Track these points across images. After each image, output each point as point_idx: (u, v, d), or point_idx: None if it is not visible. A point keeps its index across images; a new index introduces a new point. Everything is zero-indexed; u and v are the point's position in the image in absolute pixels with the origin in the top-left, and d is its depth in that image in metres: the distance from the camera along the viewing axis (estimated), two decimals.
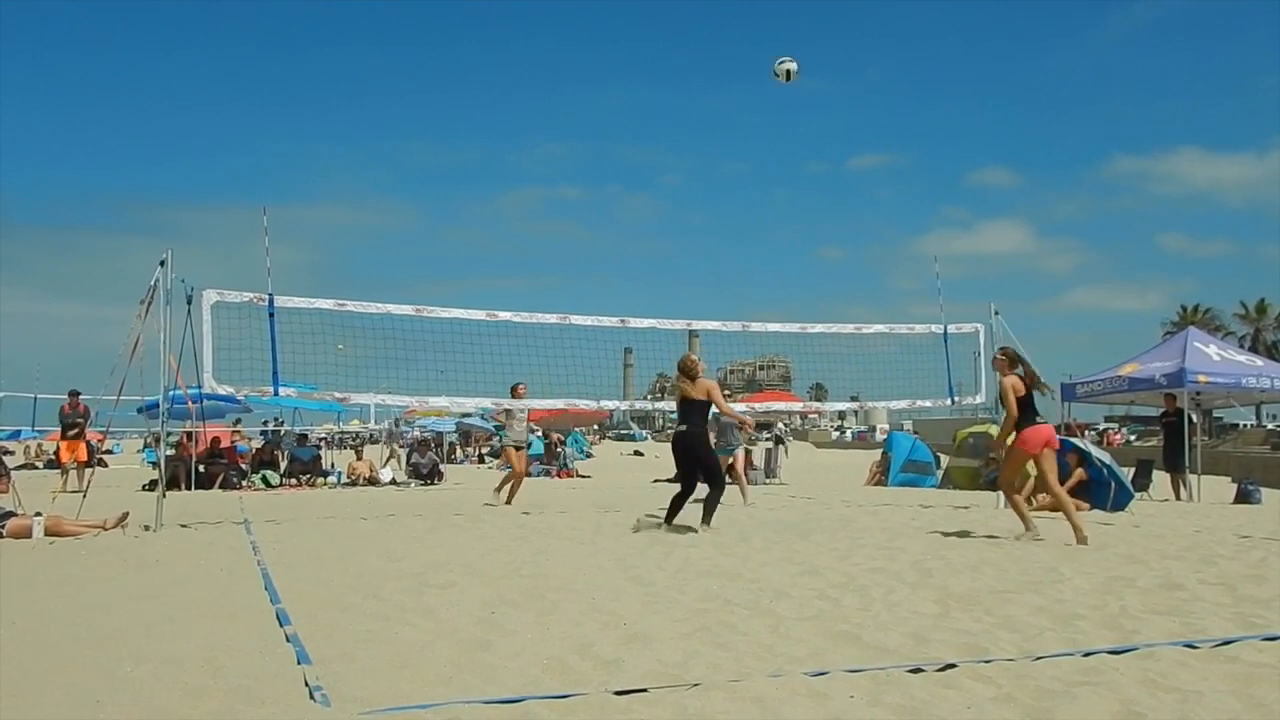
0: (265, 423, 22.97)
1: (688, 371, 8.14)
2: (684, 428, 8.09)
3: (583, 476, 21.07)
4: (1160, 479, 13.73)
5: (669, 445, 8.56)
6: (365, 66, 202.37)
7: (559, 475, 20.85)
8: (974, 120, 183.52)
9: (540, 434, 28.95)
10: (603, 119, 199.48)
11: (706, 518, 7.82)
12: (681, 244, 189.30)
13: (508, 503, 11.20)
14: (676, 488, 8.27)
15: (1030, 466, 11.43)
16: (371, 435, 28.65)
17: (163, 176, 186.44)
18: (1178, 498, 13.25)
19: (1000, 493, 11.20)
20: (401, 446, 24.66)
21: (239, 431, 20.00)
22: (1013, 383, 7.31)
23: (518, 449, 11.69)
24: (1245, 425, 39.79)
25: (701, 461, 8.11)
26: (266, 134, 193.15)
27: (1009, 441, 7.39)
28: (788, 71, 10.00)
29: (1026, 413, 7.33)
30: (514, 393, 10.57)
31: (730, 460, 11.79)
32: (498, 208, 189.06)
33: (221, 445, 16.87)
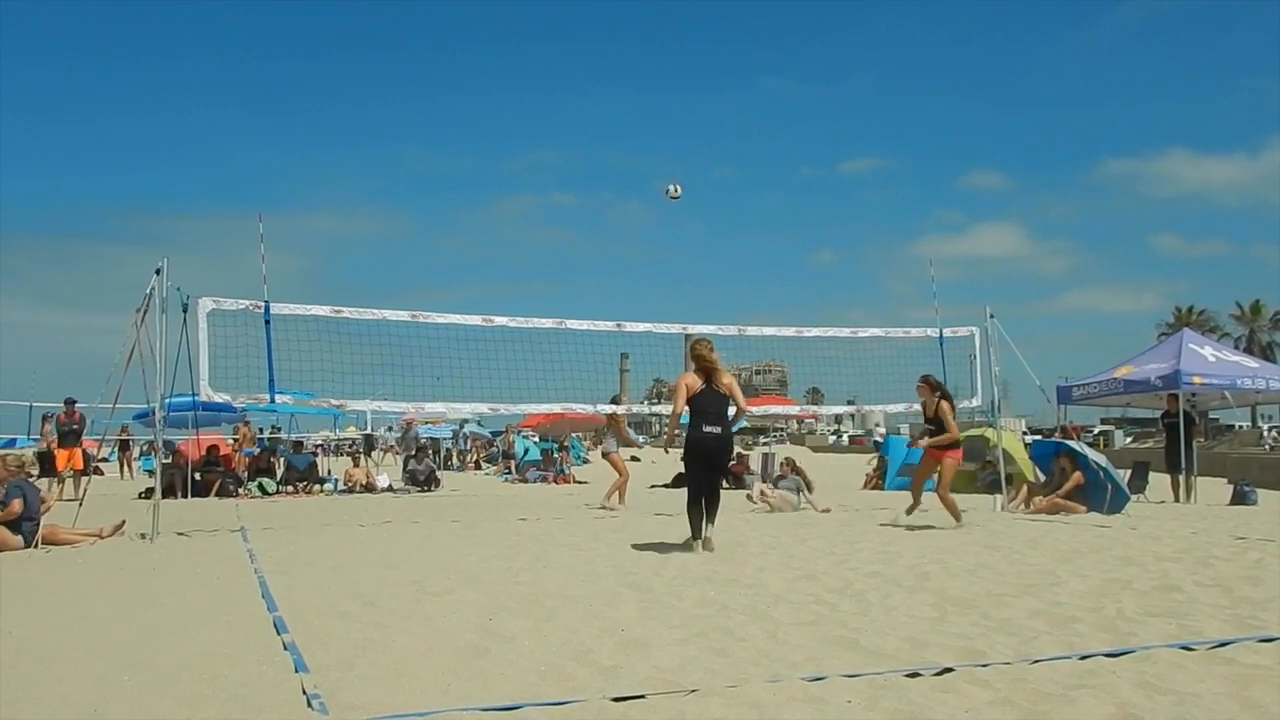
0: (260, 430, 22.95)
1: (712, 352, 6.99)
2: (718, 429, 6.81)
3: (579, 482, 21.04)
4: (1158, 480, 13.75)
5: (683, 450, 7.09)
6: (356, 74, 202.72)
7: (556, 481, 20.82)
8: (965, 124, 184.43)
9: (536, 439, 28.95)
10: (594, 125, 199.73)
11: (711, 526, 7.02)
12: (675, 249, 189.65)
13: (621, 502, 11.55)
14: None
15: (1027, 470, 11.67)
16: (370, 442, 28.57)
17: (156, 185, 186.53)
18: (1177, 499, 13.26)
19: (996, 496, 11.26)
20: (398, 453, 24.61)
21: (237, 438, 19.90)
22: (949, 407, 8.64)
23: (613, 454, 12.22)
24: (1241, 426, 39.85)
25: (725, 469, 7.38)
26: (259, 142, 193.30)
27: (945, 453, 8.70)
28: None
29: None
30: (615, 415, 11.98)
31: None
32: (491, 215, 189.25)
33: (221, 452, 16.83)
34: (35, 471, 8.77)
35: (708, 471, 6.96)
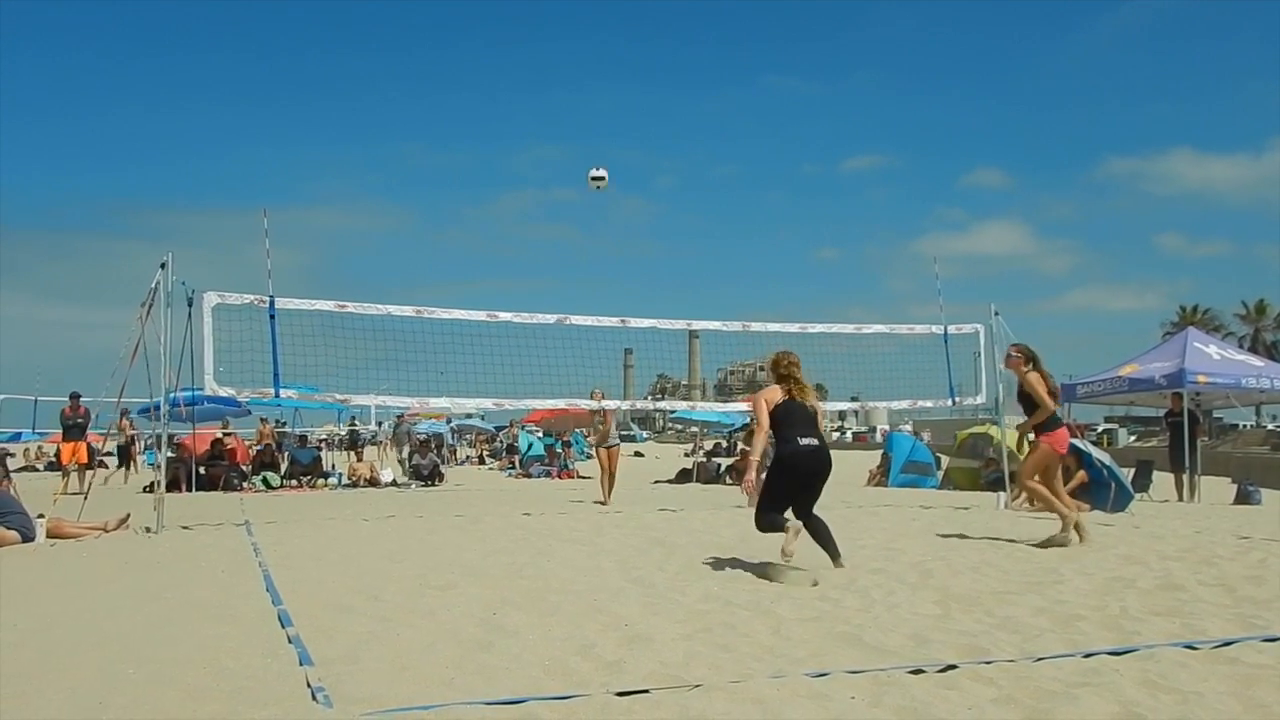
0: (261, 420, 23.07)
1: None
2: (816, 441, 5.90)
3: (583, 478, 21.07)
4: (1162, 479, 13.73)
5: (774, 468, 5.91)
6: (358, 70, 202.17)
7: (559, 476, 20.86)
8: (967, 121, 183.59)
9: (540, 434, 28.98)
10: (595, 121, 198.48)
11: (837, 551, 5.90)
12: (677, 246, 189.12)
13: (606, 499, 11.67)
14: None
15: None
16: (373, 436, 28.65)
17: (158, 181, 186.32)
18: (1181, 498, 13.25)
19: (999, 494, 11.23)
20: (395, 446, 24.67)
21: (232, 433, 19.95)
22: (1038, 378, 7.05)
23: (608, 448, 12.16)
24: (1245, 425, 39.78)
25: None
26: (260, 138, 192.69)
27: (1032, 439, 7.11)
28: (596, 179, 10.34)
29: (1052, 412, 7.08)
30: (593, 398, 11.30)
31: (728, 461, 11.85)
32: (493, 211, 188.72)
33: (226, 446, 16.89)
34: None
35: (807, 491, 5.89)
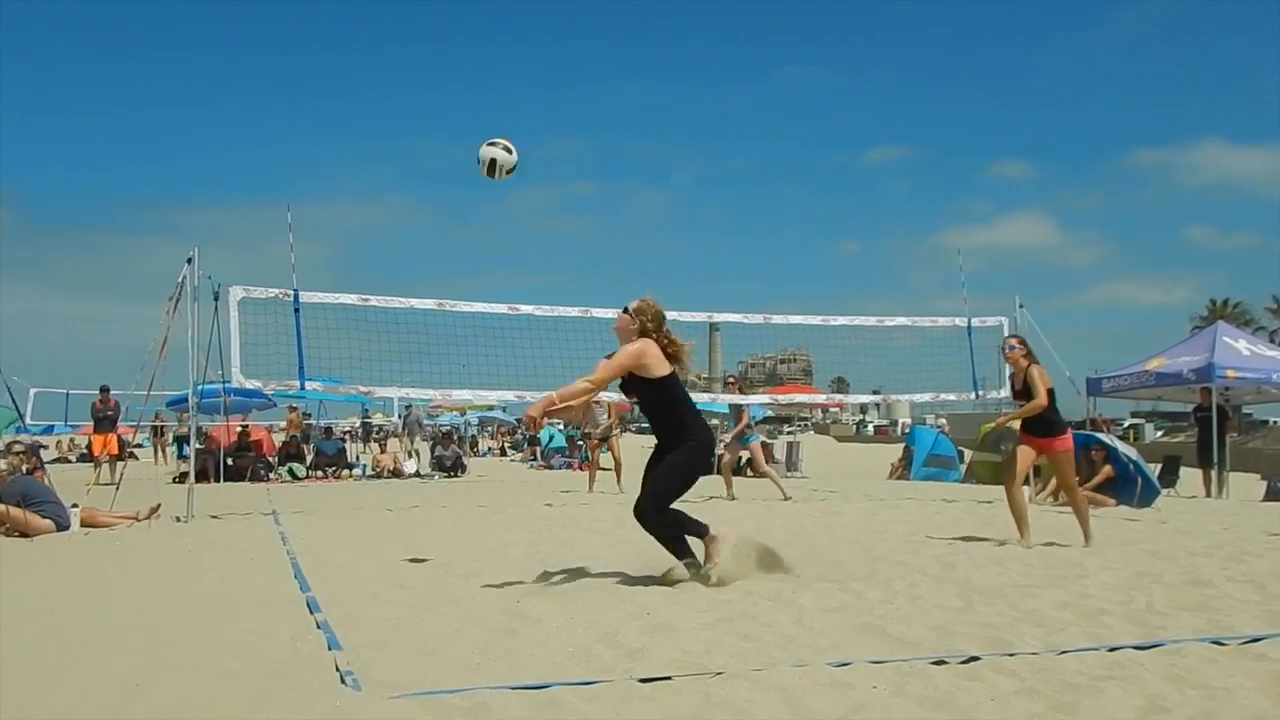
0: (290, 409, 23.37)
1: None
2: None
3: (603, 469, 21.13)
4: (1190, 475, 13.58)
5: (698, 450, 5.14)
6: (375, 65, 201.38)
7: (580, 468, 20.93)
8: (992, 112, 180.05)
9: (562, 426, 29.06)
10: (613, 115, 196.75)
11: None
12: (698, 239, 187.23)
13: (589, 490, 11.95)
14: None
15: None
16: (395, 428, 28.92)
17: (180, 178, 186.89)
18: (1209, 494, 13.10)
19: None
20: (424, 440, 24.91)
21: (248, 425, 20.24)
22: (1041, 372, 6.84)
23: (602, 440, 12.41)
24: (1275, 422, 39.18)
25: None
26: (277, 134, 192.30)
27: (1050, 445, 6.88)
28: (493, 162, 6.59)
29: (1057, 411, 6.89)
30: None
31: (746, 453, 11.81)
32: (512, 205, 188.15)
33: (253, 437, 17.14)
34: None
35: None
